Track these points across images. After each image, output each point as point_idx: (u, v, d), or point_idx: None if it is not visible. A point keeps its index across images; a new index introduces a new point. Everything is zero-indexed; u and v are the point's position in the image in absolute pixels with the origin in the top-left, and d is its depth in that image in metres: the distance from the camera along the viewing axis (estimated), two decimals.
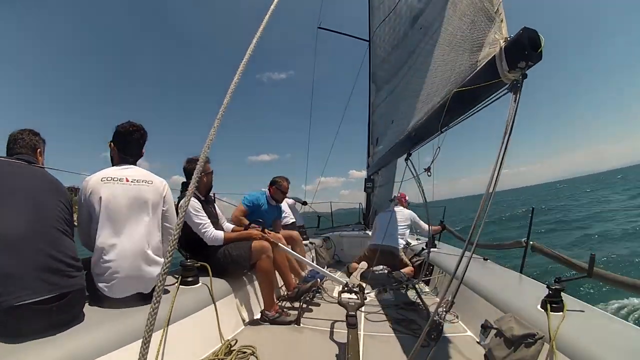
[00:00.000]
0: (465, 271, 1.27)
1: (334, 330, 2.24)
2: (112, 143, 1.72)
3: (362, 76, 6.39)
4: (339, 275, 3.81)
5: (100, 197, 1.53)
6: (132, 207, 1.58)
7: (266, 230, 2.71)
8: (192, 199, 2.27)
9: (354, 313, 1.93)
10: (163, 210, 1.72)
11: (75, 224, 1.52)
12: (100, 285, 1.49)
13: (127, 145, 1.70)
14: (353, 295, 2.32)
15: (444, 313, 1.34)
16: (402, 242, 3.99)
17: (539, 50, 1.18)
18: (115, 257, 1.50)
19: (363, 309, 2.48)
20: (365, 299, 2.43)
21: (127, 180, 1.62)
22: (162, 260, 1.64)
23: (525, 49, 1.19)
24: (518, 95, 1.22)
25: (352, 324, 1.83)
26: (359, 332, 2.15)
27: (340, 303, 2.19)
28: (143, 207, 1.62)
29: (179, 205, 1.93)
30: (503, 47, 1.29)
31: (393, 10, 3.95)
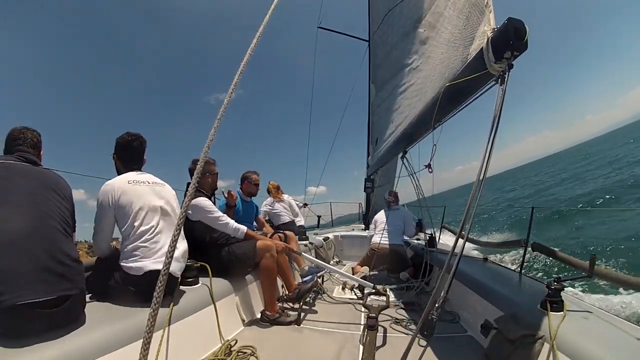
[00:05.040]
0: (457, 266, 1.26)
1: (334, 330, 2.23)
2: (114, 155, 1.80)
3: (360, 78, 6.42)
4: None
5: (135, 197, 1.63)
6: (161, 205, 1.72)
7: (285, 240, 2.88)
8: (203, 197, 2.34)
9: (375, 315, 1.93)
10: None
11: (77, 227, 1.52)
12: (124, 264, 1.58)
13: (129, 155, 1.79)
14: (380, 298, 2.37)
15: (438, 309, 1.34)
16: (403, 239, 4.01)
17: (525, 40, 1.17)
18: (153, 244, 1.62)
19: (363, 308, 2.48)
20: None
21: (148, 183, 1.75)
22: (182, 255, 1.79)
23: (510, 39, 1.19)
24: (504, 87, 1.21)
25: (371, 326, 1.83)
26: (358, 332, 2.15)
27: (364, 305, 2.24)
28: (167, 205, 1.77)
29: (183, 202, 2.00)
30: (490, 37, 1.28)
31: (392, 10, 3.96)
